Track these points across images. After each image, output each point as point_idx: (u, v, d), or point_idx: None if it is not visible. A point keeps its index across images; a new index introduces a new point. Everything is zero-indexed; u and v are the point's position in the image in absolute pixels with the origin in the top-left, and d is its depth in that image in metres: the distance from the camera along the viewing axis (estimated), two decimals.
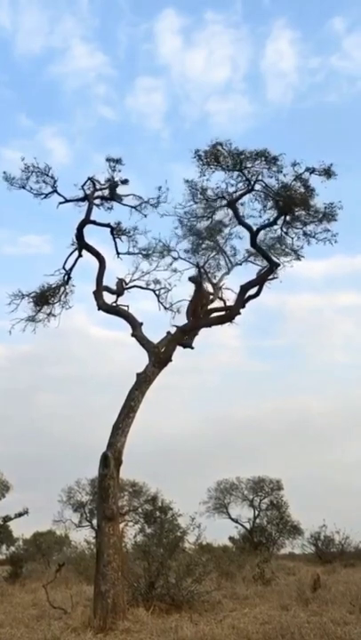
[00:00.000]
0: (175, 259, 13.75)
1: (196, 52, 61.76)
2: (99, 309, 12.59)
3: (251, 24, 63.36)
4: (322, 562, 26.52)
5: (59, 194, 12.78)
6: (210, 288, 13.74)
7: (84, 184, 12.87)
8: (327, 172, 11.73)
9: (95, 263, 12.89)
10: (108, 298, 13.03)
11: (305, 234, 12.55)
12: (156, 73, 68.77)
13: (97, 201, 13.11)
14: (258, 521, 33.27)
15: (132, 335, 12.29)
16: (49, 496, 34.84)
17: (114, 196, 13.22)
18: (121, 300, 13.32)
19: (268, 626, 9.15)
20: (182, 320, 13.13)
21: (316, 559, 28.13)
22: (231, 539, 33.08)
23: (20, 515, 24.78)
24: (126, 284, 13.59)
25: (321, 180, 11.82)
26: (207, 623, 9.64)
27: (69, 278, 13.59)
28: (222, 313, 13.20)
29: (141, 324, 12.46)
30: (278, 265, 12.87)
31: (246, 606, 11.85)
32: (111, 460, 10.52)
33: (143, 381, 11.45)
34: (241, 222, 12.74)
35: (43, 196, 12.78)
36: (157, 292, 13.87)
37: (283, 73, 62.04)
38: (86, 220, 12.69)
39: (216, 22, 61.08)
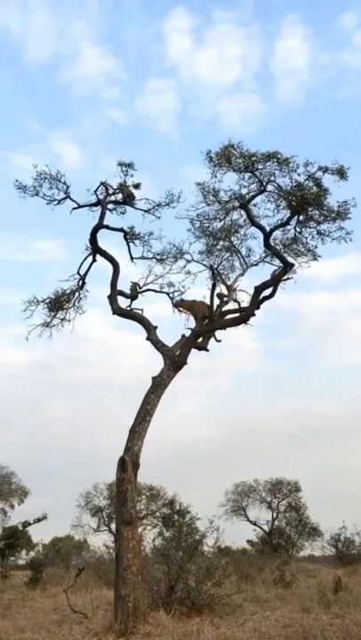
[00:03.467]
0: (189, 261, 13.76)
1: (205, 52, 61.98)
2: (113, 313, 12.61)
3: (261, 21, 63.41)
4: (343, 563, 26.26)
5: (72, 199, 12.88)
6: (224, 290, 13.71)
7: (97, 189, 12.97)
8: (340, 172, 11.62)
9: (109, 267, 12.97)
10: (123, 302, 13.10)
11: (319, 233, 12.46)
12: (165, 74, 69.14)
13: (110, 205, 13.20)
14: (276, 523, 33.09)
15: (147, 339, 12.30)
16: (67, 501, 35.04)
17: (126, 201, 13.28)
18: (135, 304, 13.40)
19: (291, 629, 9.09)
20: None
21: (336, 561, 27.86)
22: (250, 542, 32.94)
23: (38, 520, 24.97)
24: (140, 288, 13.62)
25: (334, 179, 11.75)
26: (228, 627, 9.59)
27: (84, 283, 13.66)
28: (237, 315, 13.16)
29: (156, 327, 12.48)
30: (293, 265, 12.74)
31: (267, 609, 11.78)
32: (129, 463, 10.52)
33: (159, 385, 11.45)
34: (254, 223, 12.70)
35: (56, 203, 12.88)
36: (171, 295, 13.88)
37: (294, 70, 61.98)
38: (99, 225, 12.74)
39: (226, 21, 61.24)
